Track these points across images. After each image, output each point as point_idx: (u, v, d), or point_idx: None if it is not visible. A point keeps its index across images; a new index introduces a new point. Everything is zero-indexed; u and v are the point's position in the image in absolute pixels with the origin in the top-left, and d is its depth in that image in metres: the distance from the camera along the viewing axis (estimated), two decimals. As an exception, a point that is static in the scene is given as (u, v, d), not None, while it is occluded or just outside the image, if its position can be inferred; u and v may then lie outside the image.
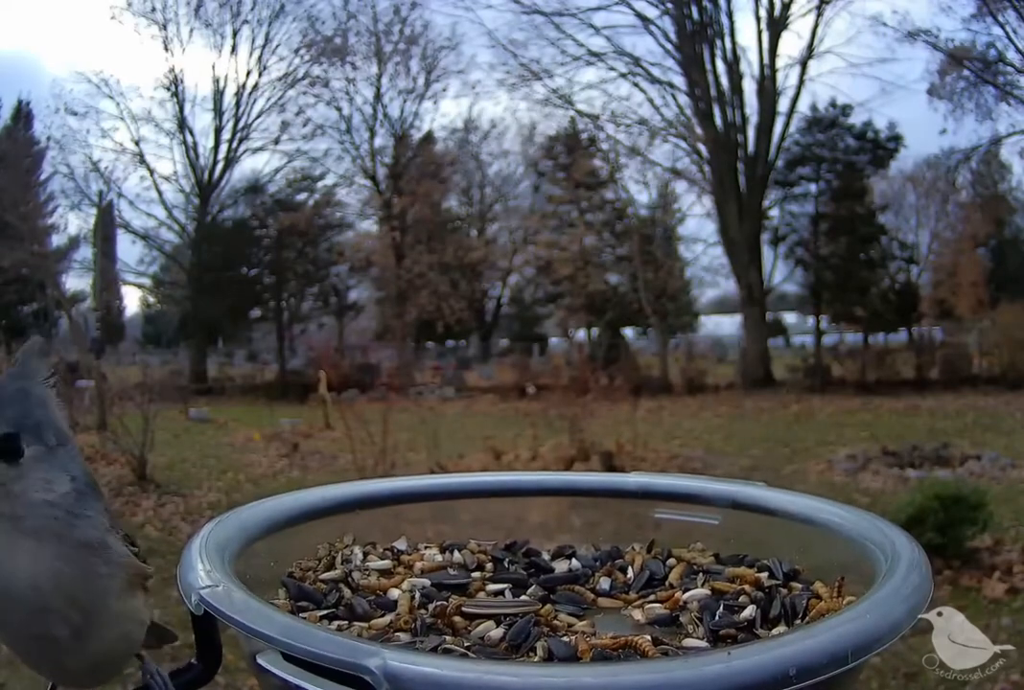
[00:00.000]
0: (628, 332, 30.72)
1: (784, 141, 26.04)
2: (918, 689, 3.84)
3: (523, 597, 0.90)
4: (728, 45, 25.26)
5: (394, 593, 0.89)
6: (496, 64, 27.80)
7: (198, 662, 0.86)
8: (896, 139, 27.07)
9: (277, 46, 28.40)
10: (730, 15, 25.27)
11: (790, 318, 37.68)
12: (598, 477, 1.22)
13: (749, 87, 25.38)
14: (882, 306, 27.20)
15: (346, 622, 0.83)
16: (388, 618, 0.82)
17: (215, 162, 29.22)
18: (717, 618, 0.83)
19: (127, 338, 36.74)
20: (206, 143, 29.27)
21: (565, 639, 0.76)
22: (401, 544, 1.05)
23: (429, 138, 29.79)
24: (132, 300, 38.57)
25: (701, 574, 0.95)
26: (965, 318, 27.57)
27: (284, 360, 28.61)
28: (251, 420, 15.04)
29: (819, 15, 25.05)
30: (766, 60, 25.15)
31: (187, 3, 27.71)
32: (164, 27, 27.94)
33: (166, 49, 28.14)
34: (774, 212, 27.13)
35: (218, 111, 28.88)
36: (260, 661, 0.68)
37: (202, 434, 14.29)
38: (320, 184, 30.17)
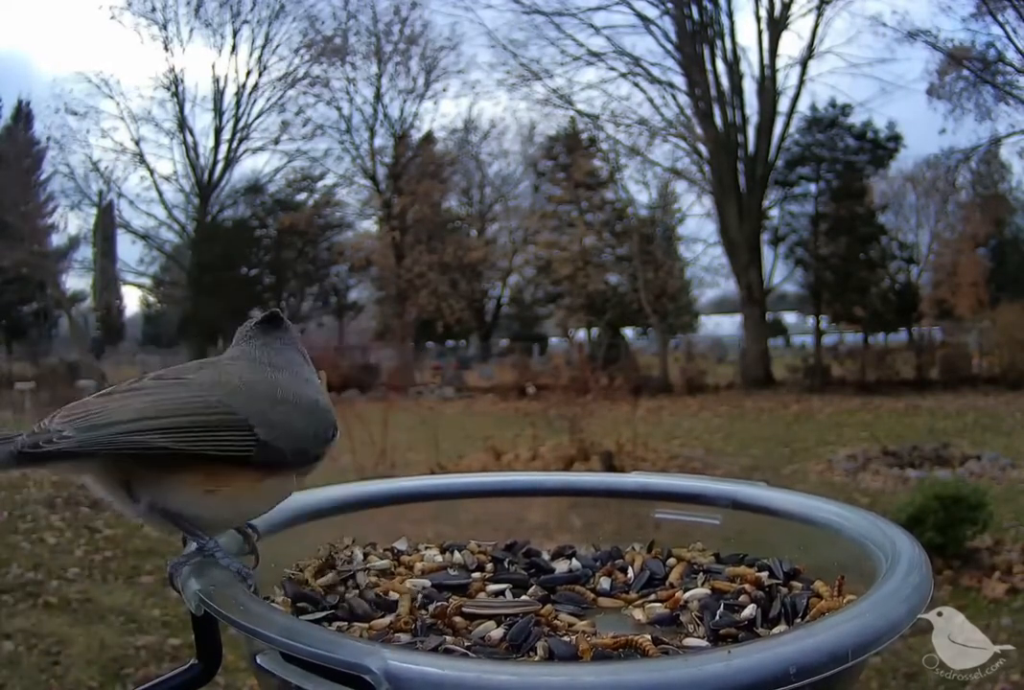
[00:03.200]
0: (628, 332, 30.72)
1: (784, 141, 26.05)
2: (918, 689, 3.84)
3: (523, 597, 0.90)
4: (728, 45, 25.30)
5: (394, 594, 0.89)
6: (496, 64, 27.82)
7: (198, 662, 0.86)
8: (896, 139, 27.08)
9: (277, 46, 28.48)
10: (730, 15, 25.32)
11: (790, 318, 37.74)
12: (598, 477, 1.22)
13: (749, 87, 25.44)
14: (882, 306, 27.20)
15: (346, 623, 0.83)
16: (388, 619, 0.82)
17: (215, 162, 29.27)
18: (718, 617, 0.83)
19: (127, 338, 36.78)
20: (206, 143, 29.34)
21: (566, 639, 0.76)
22: (401, 545, 1.05)
23: (429, 138, 29.81)
24: (132, 300, 38.65)
25: (701, 573, 0.95)
26: (965, 318, 27.56)
27: (284, 360, 28.54)
28: (251, 420, 14.96)
29: (819, 15, 25.10)
30: (766, 60, 25.18)
31: (187, 3, 27.78)
32: (164, 27, 28.01)
33: (166, 49, 28.22)
34: (774, 212, 27.17)
35: (218, 111, 28.92)
36: (260, 661, 0.68)
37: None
38: (320, 184, 30.26)
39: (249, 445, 0.84)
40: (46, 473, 9.51)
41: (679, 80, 26.00)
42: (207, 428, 0.83)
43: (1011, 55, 24.17)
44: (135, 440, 0.81)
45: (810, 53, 25.31)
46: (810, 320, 29.08)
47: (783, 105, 25.75)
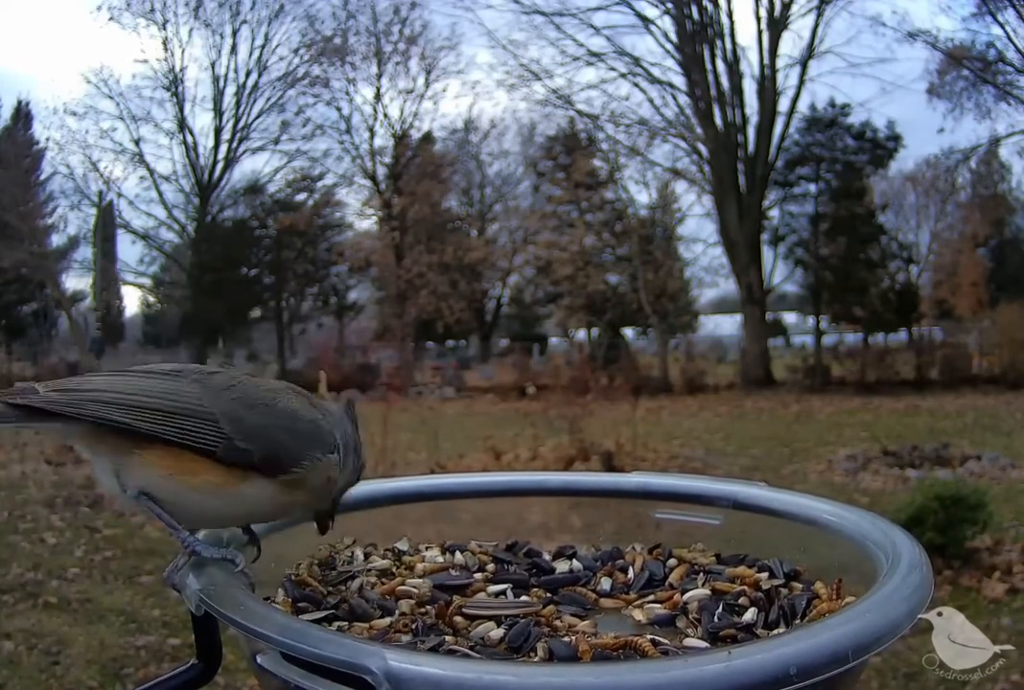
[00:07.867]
0: (628, 332, 30.71)
1: (784, 141, 26.03)
2: (918, 689, 3.84)
3: (523, 598, 0.90)
4: (728, 45, 25.26)
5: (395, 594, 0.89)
6: (496, 64, 27.89)
7: (198, 662, 0.86)
8: (895, 139, 27.08)
9: (277, 46, 28.41)
10: (730, 15, 25.27)
11: (790, 318, 37.70)
12: (598, 477, 1.22)
13: (749, 87, 25.39)
14: (882, 306, 27.18)
15: (347, 623, 0.83)
16: (389, 619, 0.82)
17: (215, 162, 29.24)
18: (716, 619, 0.83)
19: (127, 338, 36.74)
20: (206, 143, 29.29)
21: (566, 639, 0.76)
22: (403, 545, 1.05)
23: (429, 138, 29.78)
24: (132, 300, 38.65)
25: (702, 574, 0.95)
26: (965, 318, 27.55)
27: (284, 360, 28.64)
28: (251, 420, 14.95)
29: (819, 15, 25.06)
30: (766, 60, 25.15)
31: (186, 3, 27.73)
32: (164, 27, 27.96)
33: (166, 49, 28.17)
34: (774, 212, 27.14)
35: (218, 111, 28.88)
36: (260, 661, 0.68)
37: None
38: (320, 184, 30.19)
39: (214, 438, 0.84)
40: (48, 471, 9.50)
41: (679, 80, 26.00)
42: (171, 413, 0.84)
43: (1011, 55, 24.18)
44: (97, 409, 0.83)
45: (810, 53, 25.30)
46: (810, 320, 29.07)
47: (783, 105, 25.75)
